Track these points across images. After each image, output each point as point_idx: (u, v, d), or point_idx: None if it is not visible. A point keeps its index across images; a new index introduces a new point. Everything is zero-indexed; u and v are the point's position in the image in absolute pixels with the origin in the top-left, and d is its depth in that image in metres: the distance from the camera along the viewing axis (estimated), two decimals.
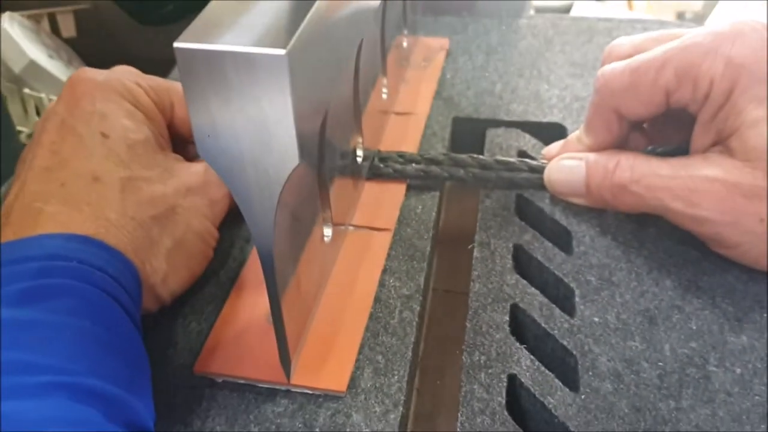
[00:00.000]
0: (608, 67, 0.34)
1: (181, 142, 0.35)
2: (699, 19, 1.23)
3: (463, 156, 0.38)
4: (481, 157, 0.38)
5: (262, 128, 0.21)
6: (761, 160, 0.30)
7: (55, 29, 0.80)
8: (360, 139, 0.36)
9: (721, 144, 0.31)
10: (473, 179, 0.38)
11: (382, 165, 0.39)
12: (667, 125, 0.36)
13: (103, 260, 0.26)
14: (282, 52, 0.19)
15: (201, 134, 0.22)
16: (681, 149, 0.34)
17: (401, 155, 0.39)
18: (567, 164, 0.36)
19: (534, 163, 0.38)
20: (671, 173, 0.32)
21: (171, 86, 0.34)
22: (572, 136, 0.37)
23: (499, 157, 0.38)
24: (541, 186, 0.37)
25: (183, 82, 0.21)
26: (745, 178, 0.30)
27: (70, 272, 0.24)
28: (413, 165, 0.38)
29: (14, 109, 0.72)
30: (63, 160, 0.28)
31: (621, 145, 0.36)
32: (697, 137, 0.33)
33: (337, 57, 0.27)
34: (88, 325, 0.24)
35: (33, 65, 0.74)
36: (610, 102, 0.34)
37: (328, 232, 0.32)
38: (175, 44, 0.20)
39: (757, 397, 0.28)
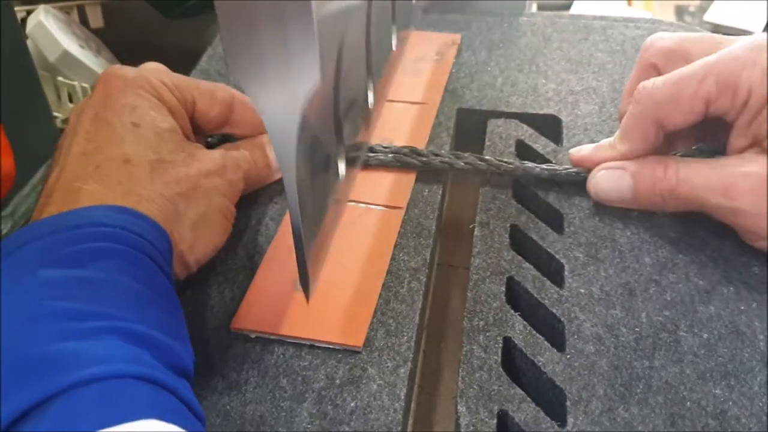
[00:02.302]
0: (649, 81, 0.37)
1: (200, 135, 0.39)
2: (698, 13, 1.25)
3: (462, 163, 0.41)
4: (482, 163, 0.41)
5: (287, 48, 0.24)
6: None
7: (83, 20, 0.83)
8: (371, 87, 0.40)
9: (758, 146, 0.35)
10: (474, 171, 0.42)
11: (392, 158, 0.42)
12: (695, 132, 0.39)
13: (139, 227, 0.29)
14: None
15: (232, 54, 0.24)
16: (712, 152, 0.37)
17: (414, 150, 0.42)
18: (611, 174, 0.39)
19: (529, 167, 0.41)
20: (712, 172, 0.35)
21: (193, 83, 0.37)
22: (604, 142, 0.40)
23: (504, 163, 0.41)
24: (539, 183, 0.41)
25: (217, 6, 0.23)
26: None
27: (114, 237, 0.28)
28: (421, 158, 0.42)
29: (49, 95, 0.75)
30: (98, 146, 0.31)
31: (652, 152, 0.38)
32: (733, 141, 0.36)
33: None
34: (132, 281, 0.27)
35: (66, 55, 0.77)
36: (651, 112, 0.37)
37: (342, 169, 0.36)
38: None
39: (720, 359, 0.32)
